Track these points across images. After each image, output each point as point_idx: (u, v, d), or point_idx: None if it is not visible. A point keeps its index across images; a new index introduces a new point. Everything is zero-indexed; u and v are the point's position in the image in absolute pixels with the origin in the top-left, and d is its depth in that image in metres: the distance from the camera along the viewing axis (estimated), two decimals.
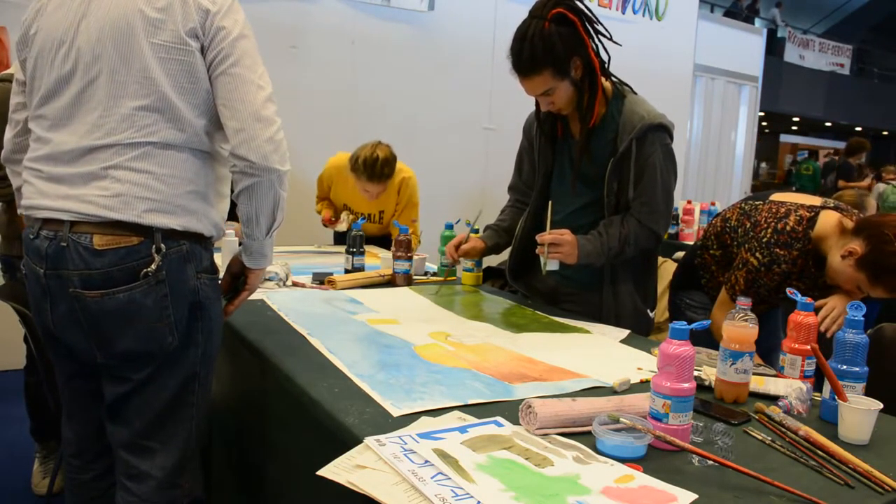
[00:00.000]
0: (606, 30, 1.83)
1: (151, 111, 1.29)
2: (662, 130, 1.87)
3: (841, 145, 17.14)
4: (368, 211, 3.20)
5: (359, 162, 2.90)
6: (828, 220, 1.84)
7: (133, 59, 1.28)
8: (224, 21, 1.32)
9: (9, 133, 1.48)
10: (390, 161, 2.91)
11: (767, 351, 2.05)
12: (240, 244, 1.52)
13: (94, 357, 1.35)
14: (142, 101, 1.29)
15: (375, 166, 2.87)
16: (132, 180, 1.28)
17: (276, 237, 1.49)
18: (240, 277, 1.53)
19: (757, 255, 1.88)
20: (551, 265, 1.89)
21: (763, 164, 15.72)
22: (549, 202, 1.95)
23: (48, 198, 1.31)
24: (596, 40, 1.82)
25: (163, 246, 1.29)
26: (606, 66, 1.87)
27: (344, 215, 3.25)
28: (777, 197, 2.01)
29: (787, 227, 1.85)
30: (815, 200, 1.95)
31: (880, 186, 6.77)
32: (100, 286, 1.27)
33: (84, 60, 1.30)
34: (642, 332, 1.95)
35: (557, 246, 1.86)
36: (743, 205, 2.08)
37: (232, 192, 1.44)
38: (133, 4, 1.29)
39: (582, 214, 1.97)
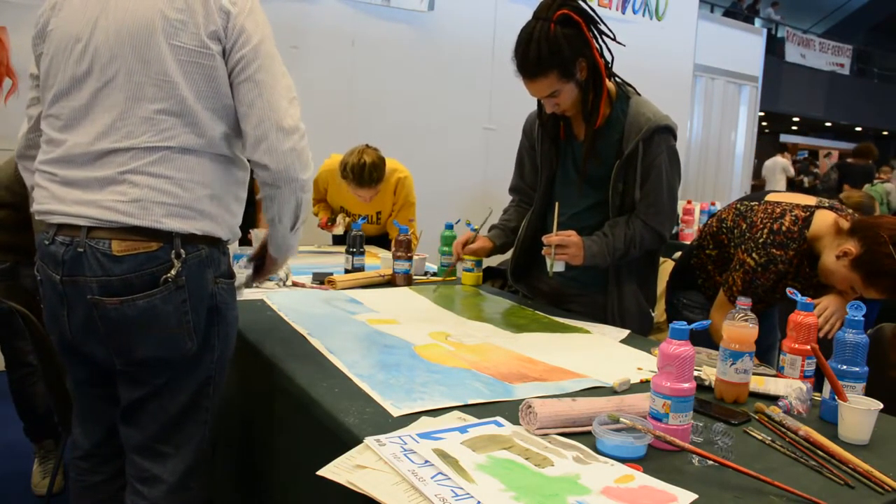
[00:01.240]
0: (610, 30, 1.83)
1: (170, 115, 1.27)
2: (668, 132, 1.87)
3: (841, 145, 17.15)
4: (365, 212, 3.20)
5: (347, 169, 2.89)
6: (823, 220, 1.84)
7: (152, 60, 1.26)
8: (247, 24, 1.30)
9: (22, 129, 1.47)
10: (378, 165, 2.89)
11: (765, 349, 2.05)
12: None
13: (112, 363, 1.34)
14: (160, 105, 1.26)
15: (363, 172, 2.86)
16: (150, 185, 1.26)
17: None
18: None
19: (753, 255, 1.88)
20: (557, 266, 1.88)
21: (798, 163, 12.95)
22: (556, 203, 1.95)
23: (63, 203, 1.28)
24: (600, 41, 1.82)
25: (182, 251, 1.28)
26: (610, 66, 1.87)
27: (340, 218, 3.25)
28: (772, 197, 2.01)
29: (783, 228, 1.85)
30: (811, 200, 1.95)
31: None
32: (119, 293, 1.25)
33: (101, 60, 1.27)
34: (644, 332, 1.95)
35: (564, 247, 1.86)
36: (738, 205, 2.08)
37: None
38: (154, 5, 1.26)
39: (586, 216, 1.97)
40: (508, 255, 2.23)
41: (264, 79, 1.31)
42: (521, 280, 2.19)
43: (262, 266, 1.60)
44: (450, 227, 2.49)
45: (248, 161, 1.37)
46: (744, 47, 7.55)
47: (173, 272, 1.27)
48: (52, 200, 1.30)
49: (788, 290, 1.47)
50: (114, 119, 1.26)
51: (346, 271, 2.42)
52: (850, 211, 1.93)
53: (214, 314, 1.36)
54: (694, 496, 0.95)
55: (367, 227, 3.15)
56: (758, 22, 14.51)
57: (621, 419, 1.08)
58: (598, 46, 1.80)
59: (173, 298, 1.28)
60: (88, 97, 1.29)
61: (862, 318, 1.29)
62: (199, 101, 1.28)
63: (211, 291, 1.34)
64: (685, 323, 1.10)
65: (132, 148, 1.26)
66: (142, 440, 1.37)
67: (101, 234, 1.25)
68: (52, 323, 1.37)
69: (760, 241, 1.88)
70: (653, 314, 2.06)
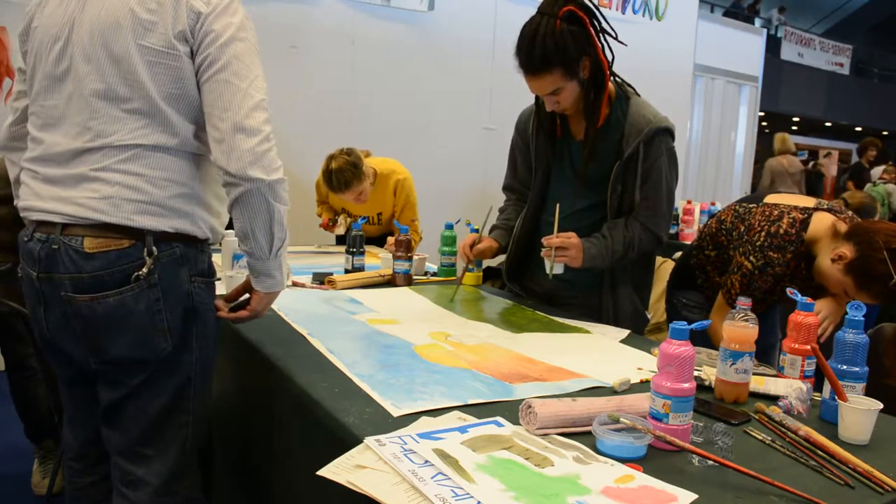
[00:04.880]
0: (613, 29, 1.81)
1: (142, 115, 1.26)
2: (667, 134, 1.86)
3: (841, 145, 17.15)
4: (367, 213, 3.21)
5: (321, 176, 2.96)
6: (821, 222, 1.84)
7: (121, 60, 1.25)
8: (215, 24, 1.27)
9: (6, 122, 1.47)
10: (345, 170, 2.90)
11: (765, 349, 2.05)
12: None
13: (88, 362, 1.33)
14: (131, 105, 1.26)
15: (332, 179, 2.90)
16: (121, 182, 1.25)
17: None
18: (248, 293, 1.47)
19: (751, 258, 1.88)
20: (557, 268, 1.87)
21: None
22: (557, 204, 1.93)
23: (42, 199, 1.29)
24: (602, 40, 1.80)
25: (154, 249, 1.27)
26: (611, 66, 1.85)
27: (341, 219, 3.27)
28: (771, 199, 2.01)
29: (781, 231, 1.86)
30: (809, 202, 1.95)
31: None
32: (91, 290, 1.25)
33: (77, 60, 1.27)
34: (637, 333, 1.95)
35: (564, 249, 1.84)
36: (737, 207, 2.08)
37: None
38: (125, 3, 1.25)
39: (583, 216, 1.96)
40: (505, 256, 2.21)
41: (228, 79, 1.26)
42: (515, 281, 2.18)
43: (248, 304, 1.46)
44: (450, 227, 2.49)
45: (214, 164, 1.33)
46: (744, 47, 7.55)
47: (145, 270, 1.26)
48: (33, 197, 1.31)
49: (789, 291, 1.47)
50: (87, 118, 1.26)
51: (346, 271, 2.42)
52: (850, 213, 1.93)
53: (191, 314, 1.35)
54: (694, 496, 0.95)
55: (368, 228, 3.17)
56: (758, 22, 14.50)
57: (621, 419, 1.08)
58: (601, 45, 1.79)
59: (145, 297, 1.27)
60: (66, 97, 1.29)
61: (862, 318, 1.29)
62: (167, 102, 1.27)
63: (187, 291, 1.33)
64: (685, 323, 1.10)
65: (105, 146, 1.26)
66: (123, 442, 1.37)
67: (75, 231, 1.26)
68: (33, 321, 1.38)
69: (758, 244, 1.88)
70: (648, 316, 2.06)
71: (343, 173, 2.89)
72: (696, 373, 1.28)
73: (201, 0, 1.27)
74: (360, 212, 3.20)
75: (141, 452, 1.37)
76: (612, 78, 1.87)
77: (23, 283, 1.36)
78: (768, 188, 7.01)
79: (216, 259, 1.58)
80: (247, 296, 1.48)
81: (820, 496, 0.96)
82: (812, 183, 8.92)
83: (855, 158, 10.19)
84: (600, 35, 1.79)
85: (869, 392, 1.27)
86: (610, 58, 1.83)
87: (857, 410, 1.17)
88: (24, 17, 1.39)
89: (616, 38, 1.81)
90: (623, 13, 5.72)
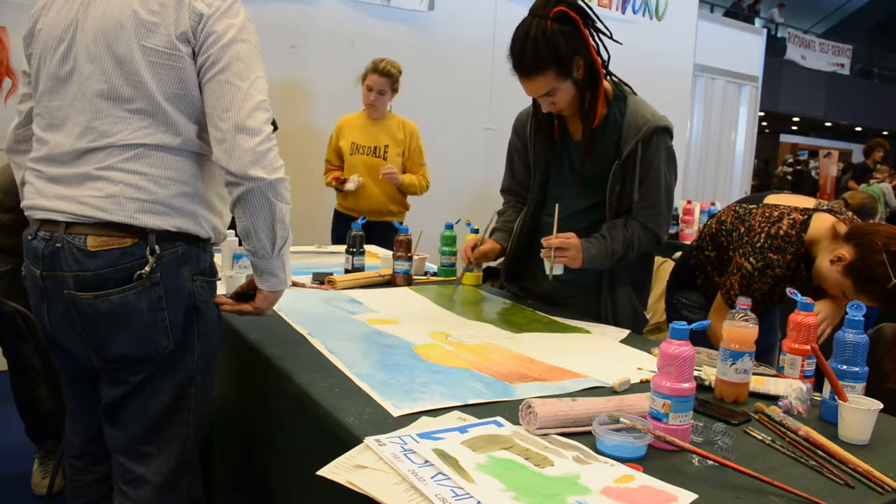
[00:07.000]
0: (607, 28, 1.81)
1: (145, 115, 1.27)
2: (666, 133, 1.86)
3: (841, 145, 17.16)
4: (374, 143, 3.55)
5: (372, 62, 3.52)
6: (821, 224, 1.84)
7: (125, 61, 1.26)
8: (217, 25, 1.28)
9: (12, 124, 1.48)
10: (395, 65, 3.51)
11: (765, 349, 2.05)
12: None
13: (90, 360, 1.34)
14: (135, 105, 1.27)
15: (381, 62, 3.49)
16: (125, 181, 1.27)
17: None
18: (252, 292, 1.47)
19: (751, 259, 1.88)
20: (556, 269, 1.86)
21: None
22: (556, 205, 1.92)
23: (46, 198, 1.30)
24: (597, 39, 1.80)
25: (157, 248, 1.28)
26: (607, 65, 1.85)
27: (355, 177, 3.50)
28: (771, 200, 2.01)
29: (781, 232, 1.85)
30: (809, 203, 1.95)
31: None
32: (94, 288, 1.26)
33: (81, 61, 1.28)
34: (636, 333, 1.95)
35: (563, 250, 1.83)
36: (737, 207, 2.08)
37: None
38: (128, 5, 1.27)
39: (582, 217, 1.96)
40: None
41: (229, 79, 1.27)
42: (513, 281, 2.18)
43: (252, 300, 1.46)
44: (450, 227, 2.49)
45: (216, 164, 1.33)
46: (744, 47, 7.55)
47: (147, 268, 1.27)
48: (37, 196, 1.32)
49: (789, 291, 1.47)
50: (91, 118, 1.28)
51: (346, 271, 2.41)
52: (850, 214, 1.93)
53: (193, 313, 1.35)
54: (694, 496, 0.95)
55: (371, 162, 3.51)
56: (758, 22, 14.51)
57: (621, 419, 1.08)
58: (594, 44, 1.78)
59: (148, 295, 1.28)
60: (70, 98, 1.30)
61: (862, 318, 1.29)
62: (169, 102, 1.28)
63: (189, 290, 1.34)
64: (685, 323, 1.10)
65: (109, 146, 1.27)
66: (124, 440, 1.37)
67: (78, 230, 1.27)
68: (36, 318, 1.39)
69: (758, 245, 1.88)
70: (647, 317, 2.06)
71: (393, 65, 3.50)
72: (696, 373, 1.28)
73: (203, 1, 1.28)
74: (368, 142, 3.55)
75: (142, 450, 1.37)
76: (608, 77, 1.86)
77: (26, 280, 1.37)
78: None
79: (216, 259, 1.58)
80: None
81: (820, 496, 0.96)
82: (806, 184, 8.90)
83: (855, 158, 10.17)
84: (594, 34, 1.79)
85: (869, 395, 1.27)
86: (605, 57, 1.82)
87: (857, 410, 1.17)
88: (28, 19, 1.39)
89: (610, 37, 1.80)
90: (623, 13, 5.72)
